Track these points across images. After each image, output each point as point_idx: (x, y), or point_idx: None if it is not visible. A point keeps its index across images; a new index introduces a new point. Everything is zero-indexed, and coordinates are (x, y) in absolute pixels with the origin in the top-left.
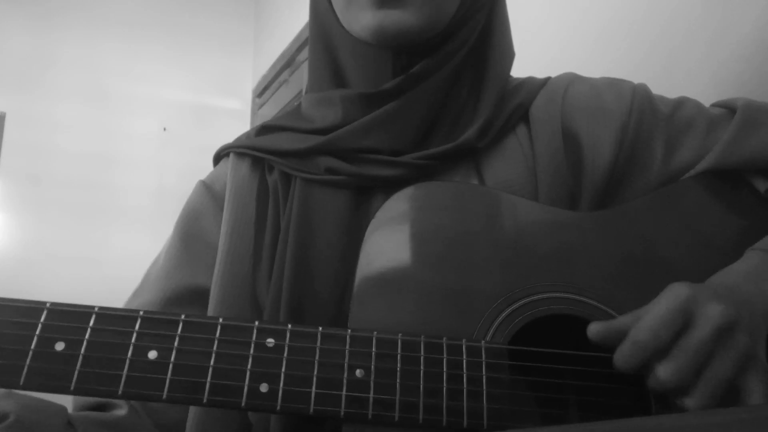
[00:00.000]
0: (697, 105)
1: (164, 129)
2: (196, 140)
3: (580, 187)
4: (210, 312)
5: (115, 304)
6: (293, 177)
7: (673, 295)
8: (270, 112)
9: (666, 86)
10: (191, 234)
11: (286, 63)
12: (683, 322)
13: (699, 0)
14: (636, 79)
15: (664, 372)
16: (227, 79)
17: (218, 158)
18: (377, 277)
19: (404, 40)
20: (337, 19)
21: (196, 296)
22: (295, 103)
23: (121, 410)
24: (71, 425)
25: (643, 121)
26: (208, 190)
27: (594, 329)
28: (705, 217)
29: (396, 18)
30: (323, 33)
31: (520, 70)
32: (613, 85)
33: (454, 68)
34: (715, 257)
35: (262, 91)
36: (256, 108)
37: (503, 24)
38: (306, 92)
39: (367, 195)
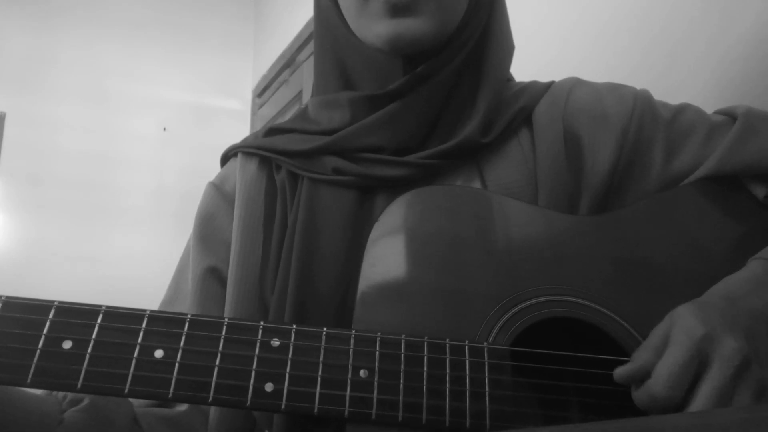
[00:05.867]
0: (698, 111)
1: (164, 129)
2: (196, 140)
3: (579, 191)
4: (226, 311)
5: (115, 303)
6: (300, 176)
7: (685, 337)
8: (270, 112)
9: (665, 85)
10: (208, 235)
11: (286, 63)
12: (700, 363)
13: None
14: (635, 78)
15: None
16: (227, 79)
17: (226, 158)
18: (380, 280)
19: (418, 47)
20: (345, 24)
21: (222, 278)
22: (301, 106)
23: (182, 405)
24: (135, 419)
25: (644, 126)
26: (218, 191)
27: (618, 374)
28: (702, 222)
29: (410, 26)
30: (330, 38)
31: (519, 69)
32: (615, 89)
33: (456, 67)
34: (712, 262)
35: (262, 91)
36: (256, 108)
37: (503, 21)
38: (312, 95)
39: (371, 194)
